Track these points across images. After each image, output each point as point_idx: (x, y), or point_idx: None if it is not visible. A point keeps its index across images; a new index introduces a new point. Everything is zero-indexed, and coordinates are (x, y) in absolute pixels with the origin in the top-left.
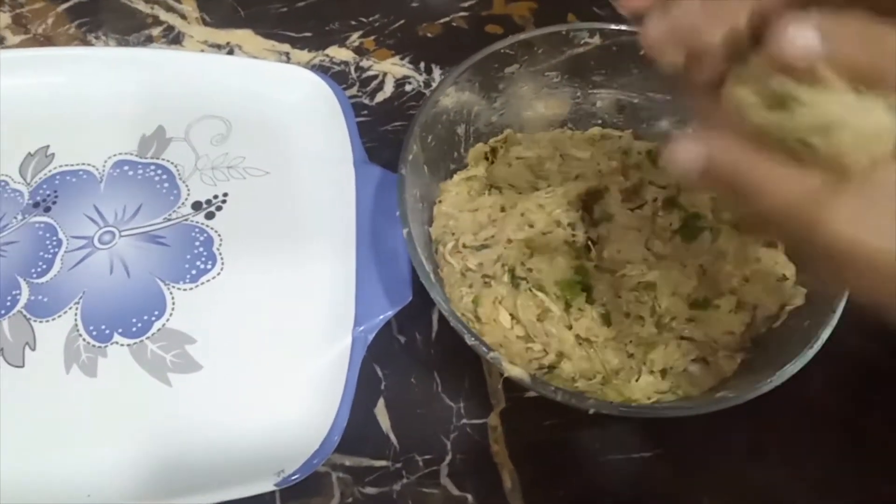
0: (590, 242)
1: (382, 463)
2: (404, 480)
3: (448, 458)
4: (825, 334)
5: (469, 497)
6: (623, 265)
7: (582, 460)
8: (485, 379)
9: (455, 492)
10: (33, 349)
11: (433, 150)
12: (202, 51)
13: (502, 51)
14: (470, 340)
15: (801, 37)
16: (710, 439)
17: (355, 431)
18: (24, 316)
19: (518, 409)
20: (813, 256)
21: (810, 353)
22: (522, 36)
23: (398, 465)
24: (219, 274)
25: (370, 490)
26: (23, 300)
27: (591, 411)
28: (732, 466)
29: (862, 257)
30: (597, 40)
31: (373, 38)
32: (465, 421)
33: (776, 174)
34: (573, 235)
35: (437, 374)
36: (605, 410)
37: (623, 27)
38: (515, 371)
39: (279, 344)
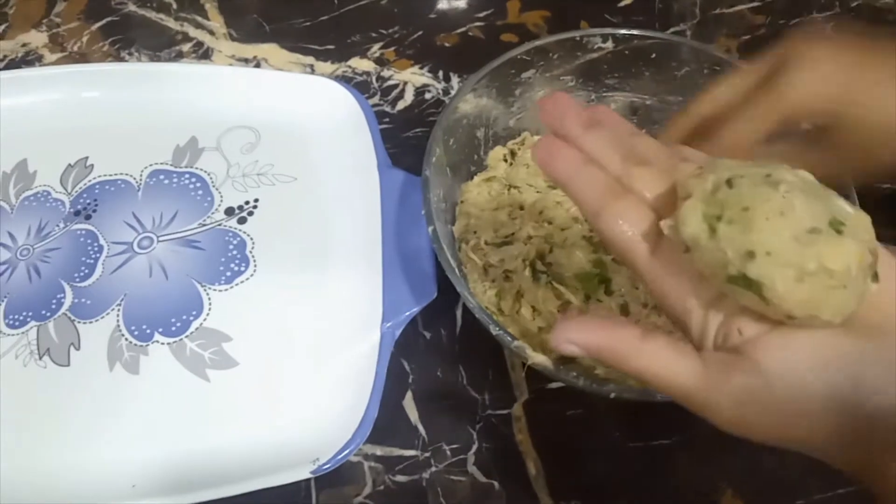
0: None
1: (412, 452)
2: (433, 469)
3: (474, 447)
4: None
5: (496, 484)
6: None
7: (603, 448)
8: (508, 371)
9: (482, 479)
10: (78, 349)
11: (455, 153)
12: (230, 65)
13: (519, 57)
14: (495, 331)
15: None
16: None
17: (385, 423)
18: (69, 318)
19: (541, 400)
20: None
21: None
22: (538, 42)
23: (427, 455)
24: (252, 275)
25: (400, 478)
26: (67, 303)
27: (612, 395)
28: (750, 453)
29: (752, 435)
30: (610, 45)
31: (393, 48)
32: (489, 412)
33: (666, 368)
34: (590, 230)
35: (462, 367)
36: (626, 395)
37: (635, 32)
38: (539, 358)
39: (311, 340)
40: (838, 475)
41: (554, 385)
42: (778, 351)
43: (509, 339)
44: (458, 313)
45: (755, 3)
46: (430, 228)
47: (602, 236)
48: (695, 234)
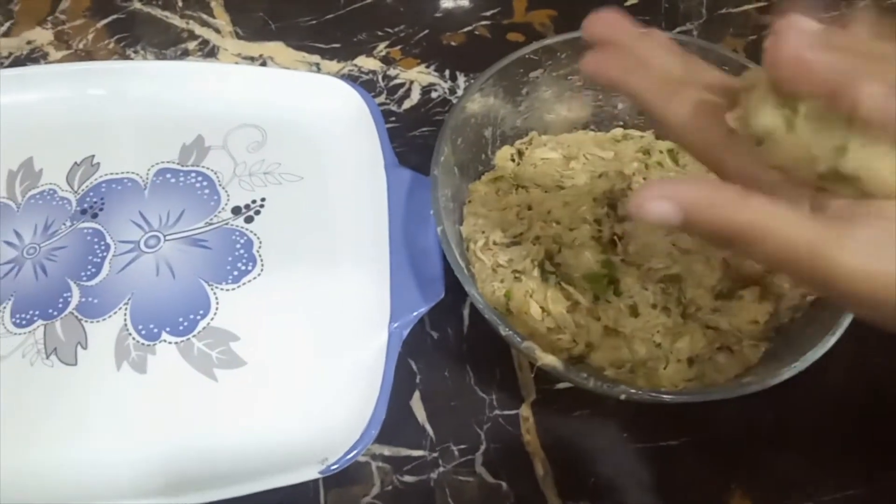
0: (616, 237)
1: (419, 452)
2: (441, 469)
3: (482, 447)
4: (846, 322)
5: (503, 484)
6: (649, 259)
7: (611, 449)
8: (515, 372)
9: (490, 479)
10: (85, 348)
11: (462, 153)
12: (236, 63)
13: (527, 56)
14: (504, 331)
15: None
16: (736, 428)
17: (393, 423)
18: (76, 317)
19: (548, 401)
20: (825, 294)
21: (832, 340)
22: (546, 42)
23: (434, 455)
24: (259, 275)
25: (408, 478)
26: (74, 302)
27: (623, 397)
28: (757, 454)
29: (881, 291)
30: None
31: (399, 47)
32: (497, 412)
33: (777, 218)
34: (599, 231)
35: (470, 367)
36: (636, 397)
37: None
38: (549, 359)
39: (319, 340)
40: (848, 476)
41: (562, 385)
42: None
43: (519, 339)
44: (466, 313)
45: (761, 3)
46: (440, 228)
47: (665, 125)
48: (769, 126)
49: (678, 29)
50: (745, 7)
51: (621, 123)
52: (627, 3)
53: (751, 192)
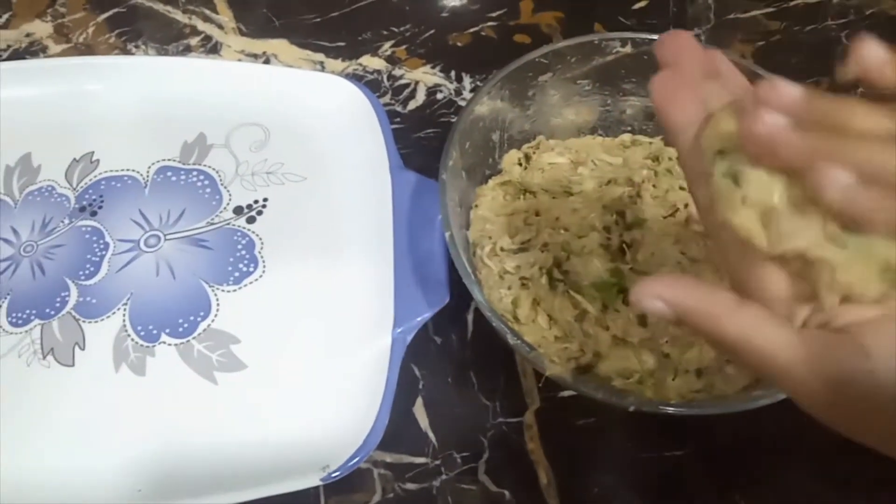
0: (624, 245)
1: (422, 460)
2: (443, 477)
3: (485, 455)
4: None
5: (506, 493)
6: (658, 268)
7: (615, 458)
8: (519, 379)
9: (493, 488)
10: (83, 349)
11: (470, 156)
12: (239, 60)
13: (536, 60)
14: (512, 340)
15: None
16: (741, 438)
17: (395, 429)
18: (74, 317)
19: (552, 409)
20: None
21: None
22: (556, 45)
23: (437, 462)
24: (261, 276)
25: (410, 486)
26: (72, 301)
27: (632, 409)
28: (762, 465)
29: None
30: (628, 49)
31: (404, 47)
32: (500, 419)
33: (761, 335)
34: (608, 239)
35: (473, 374)
36: (645, 408)
37: (654, 36)
38: (556, 370)
39: (321, 344)
40: (853, 488)
41: (566, 393)
42: (889, 338)
43: (527, 349)
44: (470, 318)
45: (770, 9)
46: (448, 234)
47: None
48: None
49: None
50: (754, 12)
51: (629, 129)
52: (636, 7)
53: (744, 302)
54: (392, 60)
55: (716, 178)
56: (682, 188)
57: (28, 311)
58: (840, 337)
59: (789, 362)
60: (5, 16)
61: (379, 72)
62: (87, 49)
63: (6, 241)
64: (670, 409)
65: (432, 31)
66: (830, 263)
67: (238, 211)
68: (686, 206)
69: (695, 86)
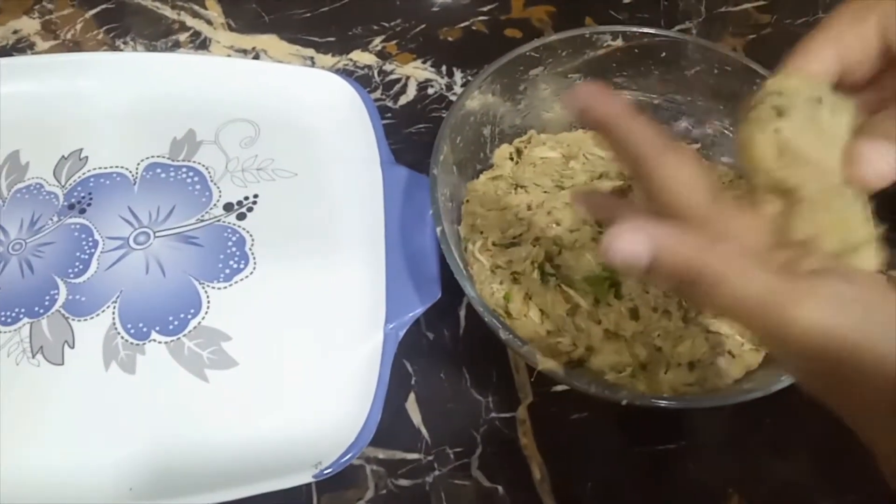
0: None
1: (415, 456)
2: (436, 472)
3: (478, 450)
4: None
5: (500, 489)
6: None
7: (608, 452)
8: (512, 374)
9: (486, 483)
10: (72, 347)
11: (461, 151)
12: (228, 56)
13: (527, 54)
14: (504, 335)
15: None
16: (734, 432)
17: (388, 425)
18: (63, 315)
19: (545, 403)
20: (778, 349)
21: None
22: (546, 39)
23: (430, 458)
24: (252, 273)
25: (403, 482)
26: (61, 300)
27: (624, 402)
28: (756, 458)
29: (834, 350)
30: (619, 43)
31: (395, 42)
32: (493, 415)
33: (736, 265)
34: (600, 232)
35: (466, 369)
36: (638, 402)
37: (645, 30)
38: (549, 364)
39: (312, 341)
40: (846, 481)
41: (559, 388)
42: (869, 281)
43: (519, 343)
44: (462, 314)
45: (761, 2)
46: (439, 229)
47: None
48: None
49: (677, 27)
50: (745, 5)
51: None
52: (627, 0)
53: (719, 240)
54: (383, 55)
55: (763, 106)
56: None
57: (17, 310)
58: (824, 271)
59: (773, 294)
60: None
61: (369, 67)
62: (76, 46)
63: None
64: (662, 403)
65: (423, 26)
66: (812, 203)
67: (228, 207)
68: None
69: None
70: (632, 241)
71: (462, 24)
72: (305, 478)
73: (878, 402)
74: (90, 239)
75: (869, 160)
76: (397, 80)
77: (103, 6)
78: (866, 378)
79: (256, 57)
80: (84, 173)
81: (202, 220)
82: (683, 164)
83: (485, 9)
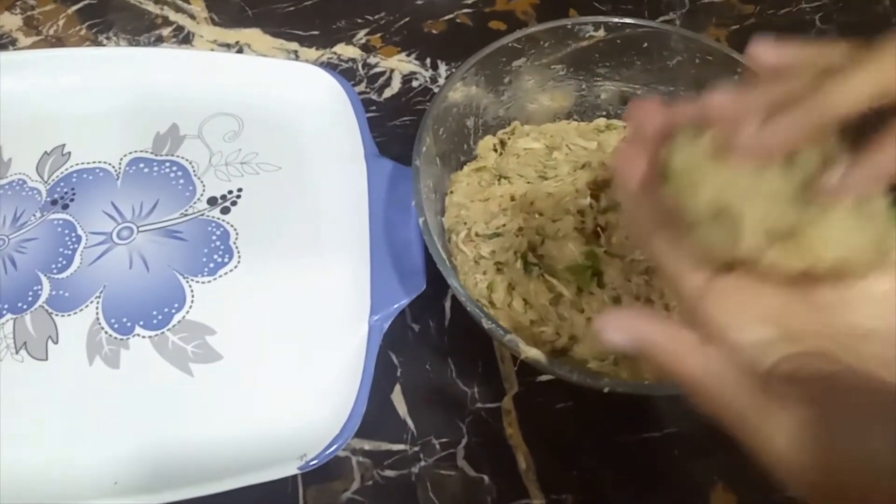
0: (599, 229)
1: (400, 447)
2: (422, 463)
3: (464, 441)
4: None
5: (485, 478)
6: (632, 251)
7: (594, 441)
8: (497, 364)
9: (472, 473)
10: (56, 342)
11: (445, 143)
12: (212, 50)
13: (509, 45)
14: (487, 324)
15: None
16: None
17: (373, 417)
18: (46, 310)
19: (530, 393)
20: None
21: None
22: (529, 30)
23: (416, 449)
24: (236, 267)
25: (389, 473)
26: (44, 295)
27: (606, 390)
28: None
29: (798, 475)
30: (601, 34)
31: (379, 35)
32: (479, 405)
33: (718, 381)
34: (582, 222)
35: (451, 360)
36: (620, 388)
37: (627, 20)
38: (532, 353)
39: (297, 333)
40: None
41: (544, 378)
42: (846, 396)
43: (502, 332)
44: (447, 305)
45: None
46: (422, 220)
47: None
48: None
49: (661, 18)
50: None
51: (604, 113)
52: None
53: (705, 345)
54: (367, 49)
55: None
56: None
57: (0, 306)
58: (798, 386)
59: (747, 409)
60: None
61: (354, 60)
62: (58, 41)
63: None
64: (644, 390)
65: (407, 19)
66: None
67: (212, 202)
68: None
69: (649, 147)
70: (617, 334)
71: (446, 17)
72: (291, 470)
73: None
74: (73, 234)
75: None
76: (382, 73)
77: (86, 2)
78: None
79: (240, 51)
80: (67, 169)
81: (186, 215)
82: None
83: (469, 1)
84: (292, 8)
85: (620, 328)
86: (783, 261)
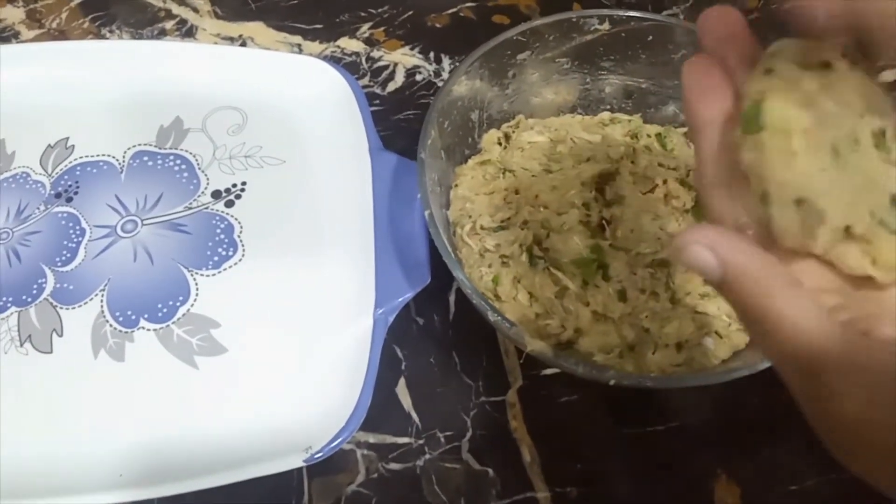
0: (604, 222)
1: (405, 440)
2: (427, 456)
3: (468, 434)
4: None
5: (490, 471)
6: (637, 244)
7: (598, 435)
8: (502, 358)
9: (476, 466)
10: (61, 335)
11: (449, 136)
12: (215, 43)
13: (514, 38)
14: (493, 317)
15: None
16: (724, 413)
17: (378, 410)
18: (51, 303)
19: (535, 387)
20: (813, 417)
21: None
22: (534, 23)
23: (420, 442)
24: (240, 260)
25: (394, 466)
26: (48, 288)
27: (612, 383)
28: (744, 439)
29: (866, 439)
30: (606, 27)
31: (382, 28)
32: (483, 398)
33: (794, 314)
34: (587, 215)
35: (456, 353)
36: (626, 382)
37: (632, 13)
38: (538, 345)
39: (302, 326)
40: (833, 460)
41: (548, 371)
42: None
43: (508, 325)
44: (452, 299)
45: None
46: (427, 213)
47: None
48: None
49: (665, 12)
50: None
51: (608, 107)
52: None
53: (795, 279)
54: (370, 42)
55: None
56: (660, 164)
57: (4, 299)
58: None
59: (823, 354)
60: None
61: (357, 54)
62: (61, 34)
63: None
64: (650, 383)
65: (410, 13)
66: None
67: (216, 195)
68: (665, 182)
69: (731, 79)
70: (703, 251)
71: (450, 11)
72: (296, 462)
73: None
74: (77, 227)
75: None
76: (385, 67)
77: None
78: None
79: (243, 44)
80: (70, 162)
81: (190, 208)
82: None
83: None
84: (295, 1)
85: (712, 244)
86: (850, 260)
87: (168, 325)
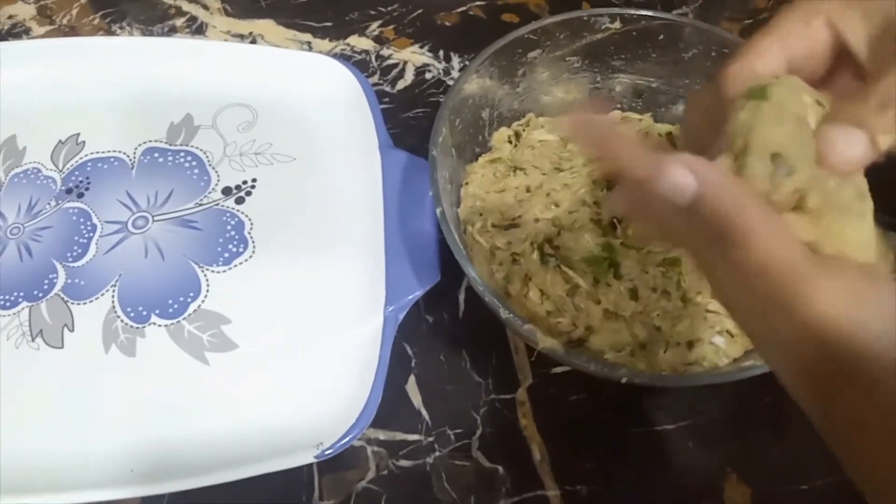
0: (615, 220)
1: (415, 437)
2: (437, 453)
3: (478, 431)
4: None
5: (500, 469)
6: (648, 242)
7: (607, 433)
8: (512, 356)
9: (486, 464)
10: (72, 330)
11: (460, 134)
12: (225, 41)
13: (525, 36)
14: (504, 314)
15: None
16: (734, 412)
17: (388, 407)
18: (62, 298)
19: (545, 385)
20: (777, 329)
21: None
22: (544, 21)
23: (430, 439)
24: (251, 256)
25: (404, 463)
26: (60, 283)
27: (624, 381)
28: (753, 438)
29: (833, 342)
30: (617, 25)
31: (392, 27)
32: (493, 396)
33: (768, 227)
34: (598, 213)
35: (465, 351)
36: (637, 380)
37: (643, 12)
38: (549, 343)
39: (312, 324)
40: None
41: (558, 369)
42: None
43: (520, 322)
44: (461, 297)
45: None
46: (439, 210)
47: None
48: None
49: (675, 11)
50: None
51: (618, 106)
52: None
53: (765, 200)
54: (380, 40)
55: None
56: None
57: (16, 294)
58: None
59: (801, 269)
60: None
61: (367, 52)
62: (71, 31)
63: None
64: (661, 381)
65: (420, 11)
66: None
67: (227, 191)
68: None
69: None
70: (682, 174)
71: (459, 9)
72: (307, 458)
73: (866, 408)
74: (88, 223)
75: (838, 148)
76: (395, 65)
77: None
78: (859, 378)
79: (253, 42)
80: (81, 158)
81: (201, 205)
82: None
83: None
84: None
85: (690, 165)
86: (798, 225)
87: (179, 321)
